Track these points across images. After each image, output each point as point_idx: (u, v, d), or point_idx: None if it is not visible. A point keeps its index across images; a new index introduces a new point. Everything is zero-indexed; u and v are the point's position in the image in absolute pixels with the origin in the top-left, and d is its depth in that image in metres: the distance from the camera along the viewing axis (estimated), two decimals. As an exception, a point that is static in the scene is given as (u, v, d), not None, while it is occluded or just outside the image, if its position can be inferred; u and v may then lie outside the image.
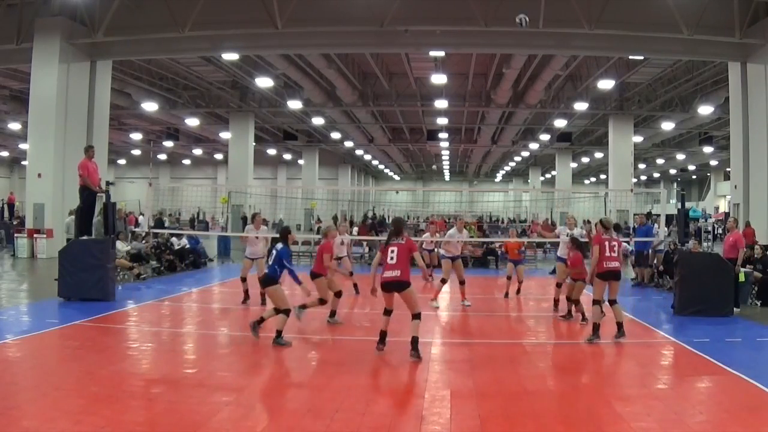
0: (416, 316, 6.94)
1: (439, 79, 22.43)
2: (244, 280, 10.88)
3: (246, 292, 10.86)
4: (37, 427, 4.63)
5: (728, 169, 27.67)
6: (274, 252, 7.91)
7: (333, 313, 9.11)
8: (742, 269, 11.31)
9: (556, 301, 10.56)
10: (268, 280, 7.76)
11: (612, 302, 8.01)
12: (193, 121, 31.78)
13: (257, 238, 10.89)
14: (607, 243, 8.03)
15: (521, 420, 5.14)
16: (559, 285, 10.63)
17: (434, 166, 58.66)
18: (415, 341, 6.86)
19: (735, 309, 10.21)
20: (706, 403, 5.71)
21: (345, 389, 5.80)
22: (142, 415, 5.05)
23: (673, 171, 53.20)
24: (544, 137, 34.77)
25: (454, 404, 5.43)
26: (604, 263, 7.95)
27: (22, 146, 30.66)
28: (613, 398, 5.71)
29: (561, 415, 5.32)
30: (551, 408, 5.51)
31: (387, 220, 30.14)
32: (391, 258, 6.99)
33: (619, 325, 7.92)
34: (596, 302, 7.96)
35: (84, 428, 4.64)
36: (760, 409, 5.46)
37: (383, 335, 7.15)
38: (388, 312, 7.16)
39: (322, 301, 8.54)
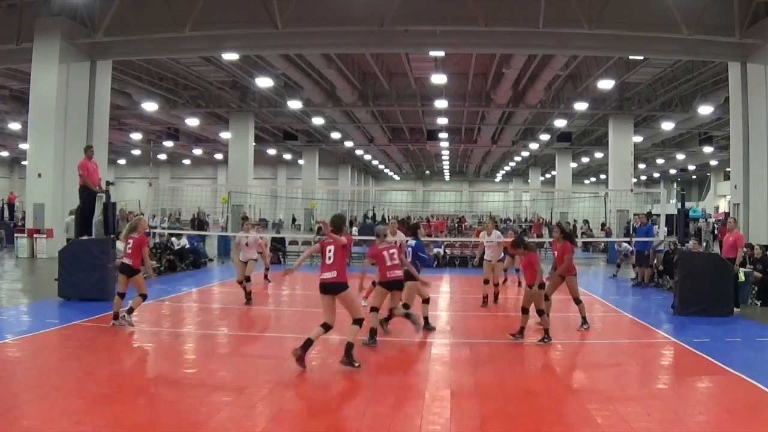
0: (356, 321, 6.54)
1: (439, 79, 22.42)
2: (248, 280, 10.94)
3: (250, 292, 10.93)
4: (37, 427, 4.63)
5: (728, 169, 27.68)
6: (409, 249, 8.35)
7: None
8: (742, 269, 11.31)
9: (485, 298, 11.13)
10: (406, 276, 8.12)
11: (391, 311, 7.89)
12: (193, 121, 31.77)
13: (246, 244, 11.27)
14: (385, 252, 7.67)
15: (521, 420, 5.14)
16: (486, 282, 11.15)
17: (433, 167, 58.68)
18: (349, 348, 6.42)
19: (735, 309, 10.21)
20: (706, 403, 5.71)
21: (345, 389, 5.79)
22: (142, 415, 5.05)
23: (673, 171, 53.19)
24: (544, 137, 34.75)
25: (454, 404, 5.43)
26: (387, 273, 7.63)
27: (22, 146, 30.65)
28: (613, 398, 5.71)
29: (561, 415, 5.32)
30: (551, 408, 5.51)
31: (387, 220, 30.16)
32: (329, 258, 6.51)
33: (372, 331, 7.54)
34: (374, 309, 7.70)
35: (84, 428, 4.64)
36: (760, 409, 5.46)
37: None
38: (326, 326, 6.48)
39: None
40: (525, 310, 8.01)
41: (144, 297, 8.53)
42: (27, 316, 9.37)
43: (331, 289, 6.44)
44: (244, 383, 6.00)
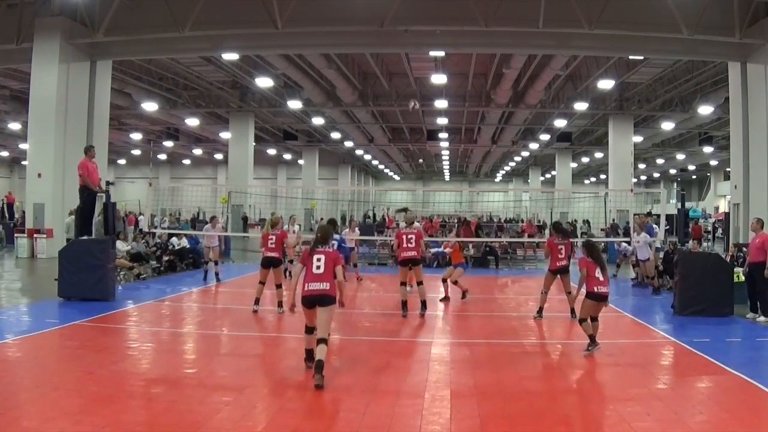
0: (322, 340, 5.93)
1: (439, 79, 22.44)
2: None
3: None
4: (37, 427, 4.63)
5: (728, 169, 27.67)
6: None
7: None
8: (740, 269, 11.27)
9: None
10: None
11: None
12: (193, 121, 31.79)
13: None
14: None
15: (521, 420, 5.13)
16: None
17: (433, 167, 58.66)
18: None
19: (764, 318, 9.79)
20: (706, 403, 5.71)
21: (345, 389, 5.80)
22: (142, 415, 5.05)
23: (673, 171, 53.18)
24: (544, 137, 34.77)
25: (454, 404, 5.43)
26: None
27: (22, 146, 30.64)
28: (613, 398, 5.71)
29: (561, 415, 5.32)
30: (551, 408, 5.50)
31: (386, 220, 30.15)
32: (318, 267, 6.03)
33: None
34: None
35: (84, 428, 4.64)
36: (760, 409, 5.47)
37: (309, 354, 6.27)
38: (309, 330, 6.17)
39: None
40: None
41: (279, 286, 9.55)
42: (27, 316, 9.37)
43: (318, 300, 6.03)
44: (244, 383, 6.00)
